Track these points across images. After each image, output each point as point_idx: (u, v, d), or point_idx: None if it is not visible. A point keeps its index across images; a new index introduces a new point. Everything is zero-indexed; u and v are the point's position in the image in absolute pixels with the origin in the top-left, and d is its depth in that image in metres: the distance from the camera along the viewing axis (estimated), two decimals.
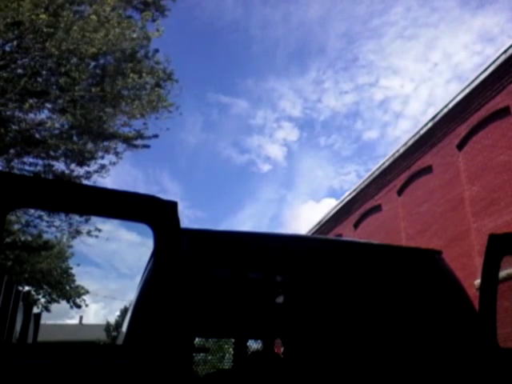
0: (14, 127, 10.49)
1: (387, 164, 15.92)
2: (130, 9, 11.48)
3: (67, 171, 11.36)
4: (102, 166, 11.60)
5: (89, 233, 11.63)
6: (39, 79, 10.25)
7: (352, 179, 55.32)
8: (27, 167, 11.06)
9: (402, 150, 15.14)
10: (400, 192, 15.57)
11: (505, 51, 11.23)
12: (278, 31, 51.45)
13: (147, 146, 11.76)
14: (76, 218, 11.17)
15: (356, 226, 18.15)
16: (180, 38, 43.06)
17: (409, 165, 15.04)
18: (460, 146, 13.05)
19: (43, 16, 8.81)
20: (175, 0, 12.12)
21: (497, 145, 11.77)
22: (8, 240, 11.62)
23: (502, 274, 2.85)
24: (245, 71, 60.03)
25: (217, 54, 52.07)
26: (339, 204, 19.18)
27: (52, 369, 2.07)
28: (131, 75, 10.33)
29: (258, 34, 53.84)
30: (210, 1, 41.75)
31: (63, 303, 22.08)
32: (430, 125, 13.89)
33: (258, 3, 50.90)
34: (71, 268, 21.43)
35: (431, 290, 3.21)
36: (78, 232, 11.79)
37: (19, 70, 9.92)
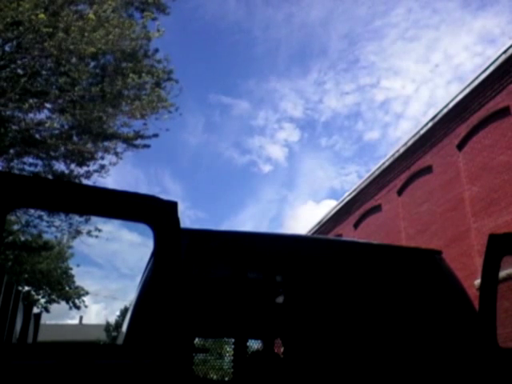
0: (13, 127, 10.48)
1: (387, 164, 15.92)
2: (130, 9, 11.48)
3: (67, 171, 11.36)
4: (102, 166, 11.60)
5: (89, 233, 11.62)
6: (39, 79, 10.25)
7: (353, 180, 55.46)
8: (27, 167, 11.07)
9: (402, 150, 15.14)
10: (400, 192, 15.57)
11: (505, 51, 11.23)
12: (280, 32, 51.49)
13: (147, 146, 11.76)
14: (76, 218, 11.16)
15: (356, 225, 18.15)
16: (182, 38, 43.08)
17: (409, 165, 15.04)
18: (460, 146, 13.05)
19: (43, 16, 8.80)
20: None
21: (497, 145, 11.77)
22: (8, 240, 11.61)
23: (502, 274, 2.85)
24: (246, 72, 60.05)
25: (219, 54, 52.09)
26: (339, 204, 19.18)
27: (52, 369, 2.06)
28: (131, 75, 10.32)
29: (259, 35, 53.89)
30: (212, 2, 41.79)
31: (63, 303, 22.10)
32: (430, 125, 13.90)
33: (261, 4, 50.96)
34: (71, 268, 21.45)
35: (431, 290, 3.21)
36: (78, 232, 11.78)
37: (19, 70, 9.92)
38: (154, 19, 11.20)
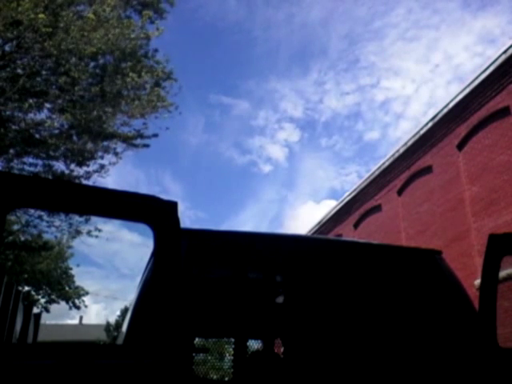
0: (13, 127, 10.48)
1: (387, 164, 15.92)
2: (128, 10, 11.51)
3: (67, 171, 11.36)
4: (102, 166, 11.60)
5: (89, 233, 11.63)
6: (39, 79, 10.24)
7: (353, 180, 55.42)
8: (27, 167, 11.06)
9: (401, 150, 15.14)
10: (400, 192, 15.57)
11: (505, 51, 11.23)
12: (281, 32, 51.51)
13: (147, 146, 11.78)
14: (76, 218, 11.16)
15: (356, 225, 18.15)
16: (183, 38, 43.08)
17: (409, 165, 15.04)
18: (460, 146, 13.05)
19: (42, 15, 8.80)
20: (173, 5, 12.17)
21: (497, 145, 11.77)
22: (8, 240, 11.60)
23: (502, 274, 2.85)
24: (247, 72, 60.08)
25: (219, 54, 52.14)
26: (339, 204, 19.18)
27: (52, 369, 2.06)
28: (130, 74, 10.32)
29: (260, 35, 53.91)
30: (212, 2, 41.78)
31: (63, 303, 22.12)
32: (430, 125, 13.89)
33: (261, 4, 50.97)
34: (71, 268, 21.47)
35: (431, 290, 3.21)
36: (78, 232, 11.78)
37: (19, 70, 9.91)
38: (152, 22, 11.24)
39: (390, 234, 15.35)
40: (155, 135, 11.64)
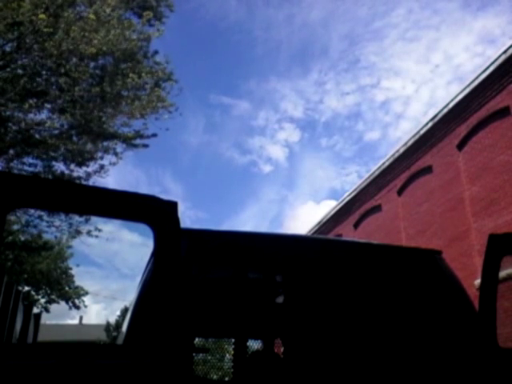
0: (13, 127, 10.48)
1: (387, 164, 15.92)
2: (128, 13, 11.55)
3: (67, 171, 11.36)
4: (102, 167, 11.60)
5: (89, 233, 11.62)
6: (39, 79, 10.24)
7: (353, 180, 55.45)
8: (27, 167, 11.06)
9: (402, 150, 15.15)
10: (400, 192, 15.57)
11: (505, 51, 11.23)
12: (281, 32, 51.56)
13: (146, 146, 11.78)
14: (76, 218, 11.16)
15: (356, 225, 18.15)
16: (183, 39, 43.14)
17: (409, 165, 15.04)
18: (460, 146, 13.05)
19: (43, 16, 8.80)
20: (172, 10, 12.22)
21: (497, 145, 11.77)
22: (8, 240, 11.60)
23: (502, 274, 2.85)
24: (247, 72, 60.15)
25: (219, 55, 52.19)
26: (339, 204, 19.18)
27: (52, 369, 2.06)
28: (131, 75, 10.33)
29: (260, 36, 53.93)
30: (213, 2, 41.80)
31: (63, 303, 22.12)
32: (430, 125, 13.90)
33: (261, 4, 50.99)
34: (71, 268, 21.46)
35: (431, 290, 3.21)
36: (78, 232, 11.78)
37: (19, 70, 9.91)
38: (151, 26, 11.27)
39: (390, 234, 15.35)
40: (154, 135, 11.66)
